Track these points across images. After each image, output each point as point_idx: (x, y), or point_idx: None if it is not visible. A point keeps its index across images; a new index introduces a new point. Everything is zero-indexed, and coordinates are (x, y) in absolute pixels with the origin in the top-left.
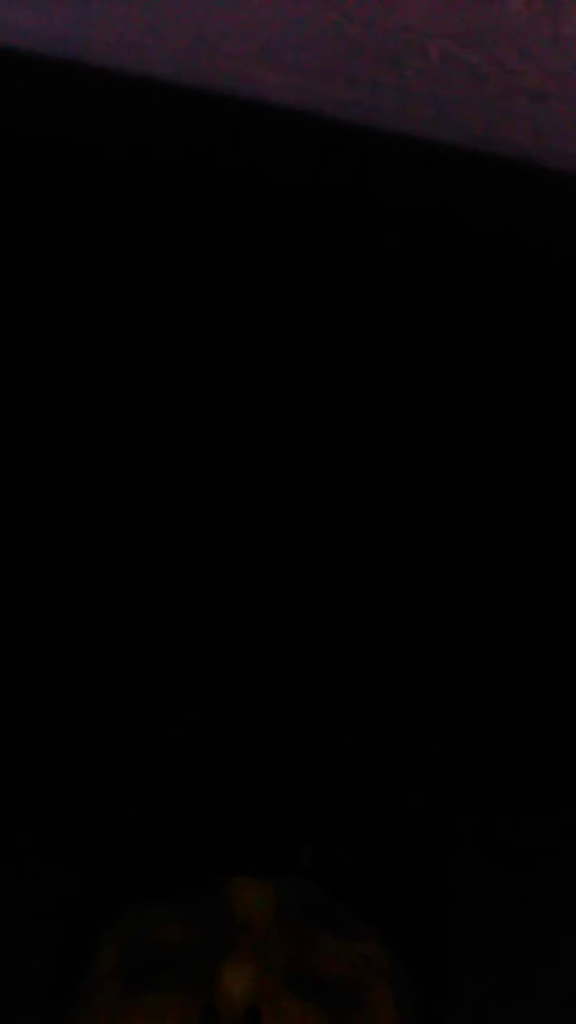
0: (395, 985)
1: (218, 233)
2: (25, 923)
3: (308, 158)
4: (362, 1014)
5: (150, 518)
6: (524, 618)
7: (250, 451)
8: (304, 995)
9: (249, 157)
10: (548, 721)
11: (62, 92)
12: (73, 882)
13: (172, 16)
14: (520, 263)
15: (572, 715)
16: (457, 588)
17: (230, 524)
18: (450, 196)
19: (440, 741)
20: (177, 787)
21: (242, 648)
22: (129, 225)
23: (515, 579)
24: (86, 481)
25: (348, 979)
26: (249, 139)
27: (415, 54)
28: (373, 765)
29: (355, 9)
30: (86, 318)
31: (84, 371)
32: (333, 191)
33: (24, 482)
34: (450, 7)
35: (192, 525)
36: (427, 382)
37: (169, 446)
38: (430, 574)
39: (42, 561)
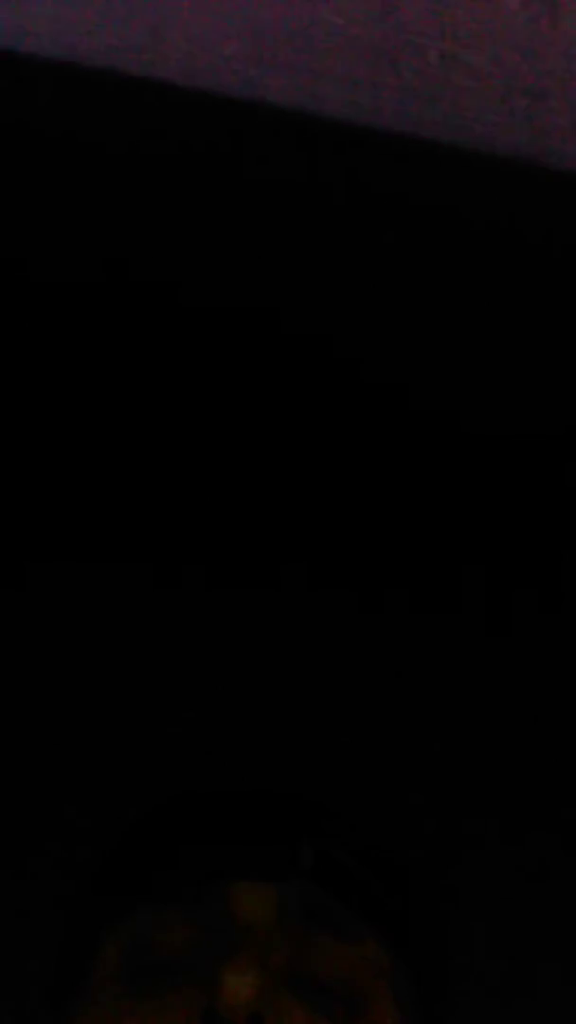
0: (395, 986)
1: (217, 233)
2: (25, 923)
3: (307, 159)
4: (363, 1016)
5: (150, 518)
6: (524, 618)
7: (250, 451)
8: (305, 998)
9: (248, 158)
10: (548, 721)
11: (61, 94)
12: (73, 882)
13: (170, 18)
14: (519, 263)
15: (572, 715)
16: (457, 588)
17: (230, 524)
18: (449, 196)
19: (440, 741)
20: (177, 787)
21: (242, 648)
22: (129, 226)
23: (515, 579)
24: (86, 481)
25: (349, 981)
26: (248, 140)
27: (414, 54)
28: (373, 765)
29: (353, 9)
30: (86, 318)
31: (84, 371)
32: (332, 192)
33: (24, 482)
34: (449, 7)
35: (192, 525)
36: (427, 382)
37: (169, 446)
38: (430, 574)
39: (42, 561)
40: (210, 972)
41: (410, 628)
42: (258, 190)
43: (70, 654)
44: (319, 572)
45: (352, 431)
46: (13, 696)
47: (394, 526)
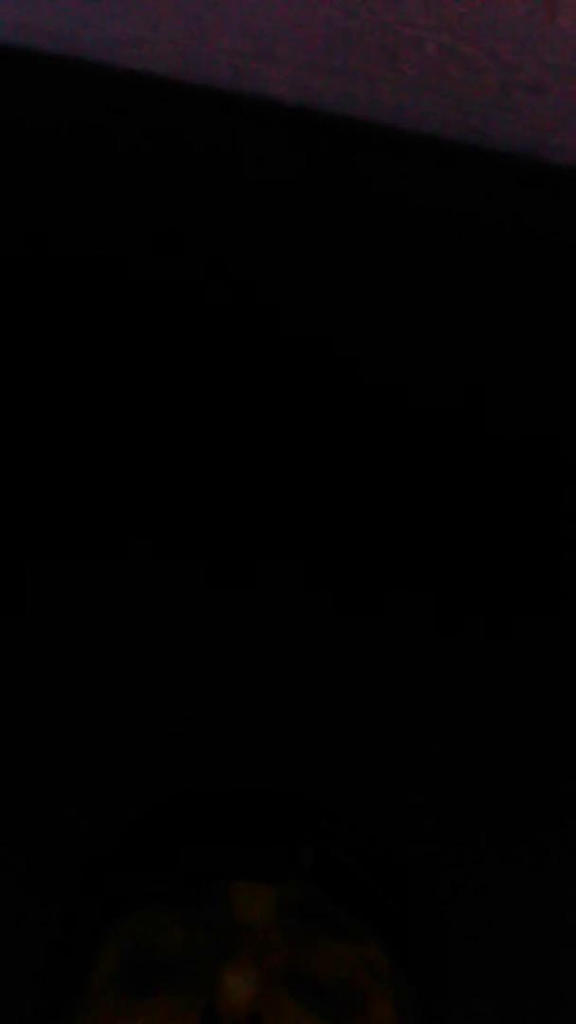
0: (394, 987)
1: (215, 226)
2: (25, 924)
3: (305, 151)
4: (361, 1016)
5: (149, 519)
6: (524, 618)
7: (250, 452)
8: (304, 999)
9: (246, 151)
10: (548, 721)
11: (61, 88)
12: (73, 882)
13: (170, 12)
14: (518, 255)
15: (572, 715)
16: (457, 588)
17: (229, 524)
18: (448, 190)
19: (440, 741)
20: (177, 787)
21: (242, 648)
22: (127, 221)
23: (515, 579)
24: (86, 482)
25: (348, 982)
26: (247, 133)
27: (412, 48)
28: (373, 765)
29: (352, 3)
30: (86, 318)
31: (84, 372)
32: (330, 184)
33: (24, 482)
34: (446, 1)
35: (192, 525)
36: (427, 381)
37: (169, 447)
38: (430, 574)
39: (42, 561)
40: (209, 972)
41: (410, 628)
42: (256, 183)
43: (70, 654)
44: (319, 572)
45: (351, 431)
46: (13, 696)
47: (394, 527)
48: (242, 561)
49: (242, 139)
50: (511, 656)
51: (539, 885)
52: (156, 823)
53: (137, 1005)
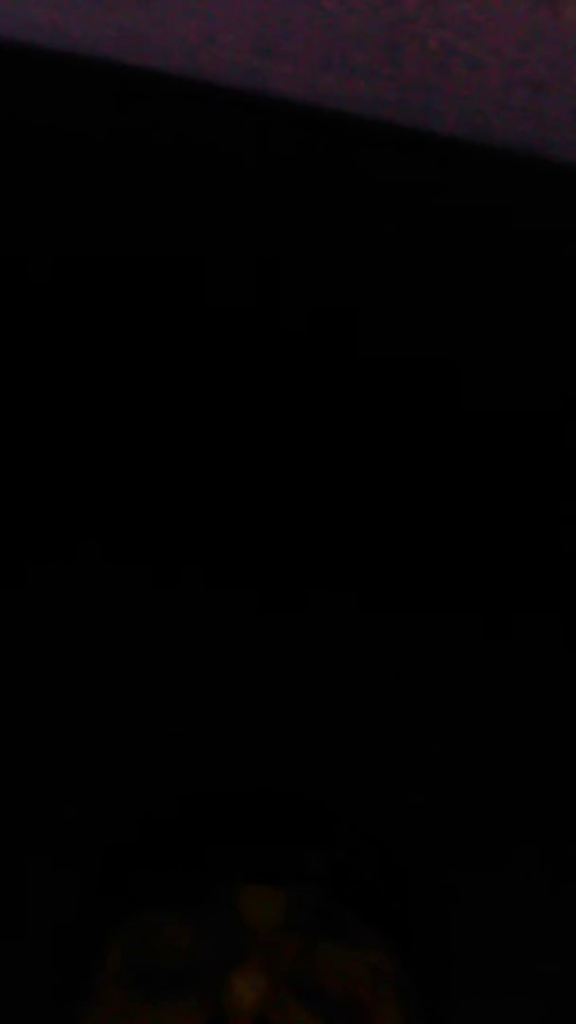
0: (400, 992)
1: (217, 222)
2: (29, 925)
3: (307, 148)
4: (367, 1021)
5: (150, 518)
6: (524, 618)
7: (249, 452)
8: (311, 1003)
9: (248, 148)
10: (548, 721)
11: (64, 84)
12: (76, 883)
13: (172, 8)
14: (519, 253)
15: (572, 715)
16: (457, 588)
17: (229, 523)
18: (449, 187)
19: (440, 741)
20: (177, 787)
21: (242, 648)
22: (128, 217)
23: (515, 579)
24: (86, 481)
25: (353, 986)
26: (248, 129)
27: (414, 44)
28: (373, 765)
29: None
30: (86, 317)
31: (84, 371)
32: (331, 181)
33: (24, 482)
34: None
35: (192, 525)
36: (427, 380)
37: (169, 446)
38: (430, 574)
39: (42, 561)
40: (216, 975)
41: (410, 628)
42: (258, 179)
43: (70, 654)
44: (319, 572)
45: (351, 430)
46: (13, 696)
47: (393, 526)
48: (241, 561)
49: (245, 136)
50: (511, 656)
51: (540, 885)
52: (163, 824)
53: (143, 1008)
